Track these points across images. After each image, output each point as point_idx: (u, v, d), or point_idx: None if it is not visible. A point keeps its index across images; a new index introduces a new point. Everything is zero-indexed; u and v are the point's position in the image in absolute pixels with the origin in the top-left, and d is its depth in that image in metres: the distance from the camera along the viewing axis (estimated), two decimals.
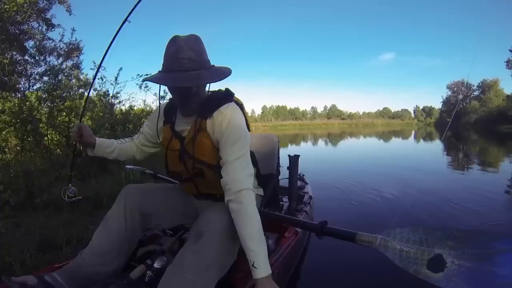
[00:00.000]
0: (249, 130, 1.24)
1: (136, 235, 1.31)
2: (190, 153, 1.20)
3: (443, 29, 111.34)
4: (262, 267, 0.99)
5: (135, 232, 1.29)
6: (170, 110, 1.32)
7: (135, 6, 1.60)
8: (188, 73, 1.05)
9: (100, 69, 1.86)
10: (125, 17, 1.68)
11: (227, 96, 1.20)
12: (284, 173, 1.80)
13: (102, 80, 5.64)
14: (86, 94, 6.03)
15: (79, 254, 1.21)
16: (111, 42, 1.70)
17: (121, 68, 5.90)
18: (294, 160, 1.89)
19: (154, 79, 1.08)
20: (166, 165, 1.33)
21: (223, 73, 1.13)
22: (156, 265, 1.16)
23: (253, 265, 0.99)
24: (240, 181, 1.07)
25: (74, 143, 1.81)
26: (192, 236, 1.07)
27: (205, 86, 1.16)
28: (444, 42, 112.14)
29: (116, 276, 1.21)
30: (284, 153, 1.77)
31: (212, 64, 1.15)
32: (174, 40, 1.07)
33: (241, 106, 1.23)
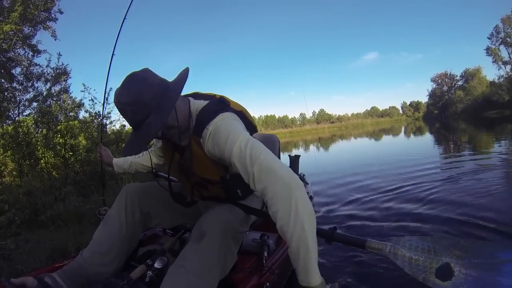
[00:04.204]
0: (254, 131, 1.24)
1: (137, 235, 1.30)
2: (190, 170, 1.16)
3: (422, 23, 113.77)
4: (301, 277, 0.86)
5: (136, 232, 1.28)
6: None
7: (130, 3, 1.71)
8: (141, 128, 0.98)
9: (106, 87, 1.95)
10: (124, 16, 1.81)
11: (217, 110, 1.06)
12: None
13: (93, 101, 5.68)
14: (77, 115, 6.14)
15: (80, 253, 1.20)
16: (113, 49, 1.81)
17: (111, 88, 5.95)
18: (294, 160, 1.89)
19: (123, 152, 1.09)
20: (169, 176, 1.30)
21: (175, 93, 0.99)
22: (156, 265, 1.14)
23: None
24: (256, 182, 0.90)
25: (101, 171, 2.13)
26: (194, 236, 1.05)
27: (176, 112, 1.03)
28: (424, 37, 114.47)
29: (116, 276, 1.20)
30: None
31: (167, 82, 1.04)
32: (114, 102, 0.99)
33: (240, 113, 1.13)
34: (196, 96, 1.20)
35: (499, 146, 7.65)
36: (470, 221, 2.67)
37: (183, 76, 1.05)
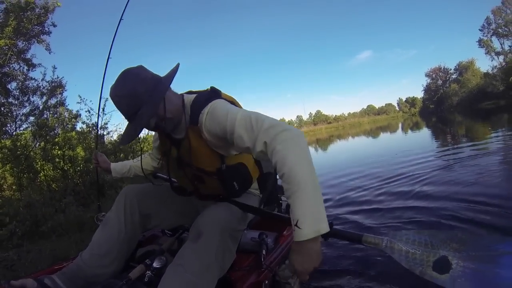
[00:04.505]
0: None
1: (136, 236, 1.31)
2: (187, 161, 1.18)
3: (415, 19, 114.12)
4: (308, 226, 0.78)
5: (135, 233, 1.29)
6: None
7: (127, 4, 1.67)
8: (135, 119, 1.04)
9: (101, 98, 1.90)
10: (120, 17, 1.80)
11: (209, 97, 1.11)
12: None
13: (90, 112, 5.70)
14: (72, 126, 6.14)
15: (79, 255, 1.21)
16: (109, 54, 1.80)
17: (107, 98, 5.95)
18: None
19: (120, 141, 1.18)
20: (168, 172, 1.32)
21: (164, 86, 1.06)
22: (155, 265, 1.15)
23: (296, 225, 0.79)
24: (264, 135, 0.90)
25: (97, 176, 2.15)
26: (192, 235, 1.07)
27: (165, 103, 1.06)
28: (417, 32, 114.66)
29: (115, 276, 1.21)
30: None
31: (159, 77, 1.10)
32: (110, 96, 1.05)
33: (231, 103, 1.14)
34: (189, 93, 1.24)
35: (496, 135, 7.69)
36: (468, 210, 2.67)
37: (174, 71, 1.11)
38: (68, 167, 4.92)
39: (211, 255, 1.01)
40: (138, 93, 1.01)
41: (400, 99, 78.84)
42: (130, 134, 1.06)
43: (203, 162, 1.15)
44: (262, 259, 1.35)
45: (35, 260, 2.13)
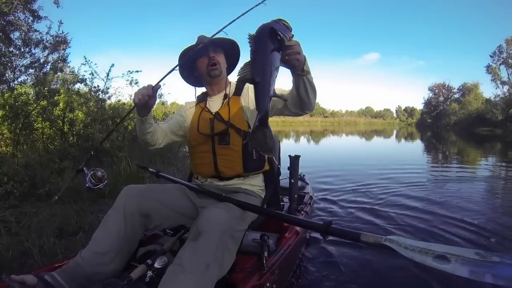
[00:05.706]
0: None
1: (137, 236, 1.34)
2: (222, 117, 1.41)
3: (427, 31, 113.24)
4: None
5: (135, 233, 1.31)
6: (201, 98, 1.60)
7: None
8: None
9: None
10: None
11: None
12: (284, 173, 1.79)
13: (93, 75, 5.59)
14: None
15: (79, 253, 1.22)
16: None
17: (113, 64, 5.85)
18: (294, 160, 1.92)
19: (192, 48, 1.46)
20: (198, 127, 1.46)
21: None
22: (156, 265, 1.17)
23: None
24: None
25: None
26: (191, 234, 1.09)
27: (225, 63, 1.51)
28: (428, 45, 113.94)
29: (117, 276, 1.22)
30: None
31: None
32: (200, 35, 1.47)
33: None
34: None
35: (486, 162, 7.91)
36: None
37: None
38: (68, 128, 4.86)
39: (210, 254, 1.03)
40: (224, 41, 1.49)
41: (399, 107, 78.95)
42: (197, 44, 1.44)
43: (236, 120, 1.41)
44: (264, 261, 1.36)
45: (35, 224, 2.16)
